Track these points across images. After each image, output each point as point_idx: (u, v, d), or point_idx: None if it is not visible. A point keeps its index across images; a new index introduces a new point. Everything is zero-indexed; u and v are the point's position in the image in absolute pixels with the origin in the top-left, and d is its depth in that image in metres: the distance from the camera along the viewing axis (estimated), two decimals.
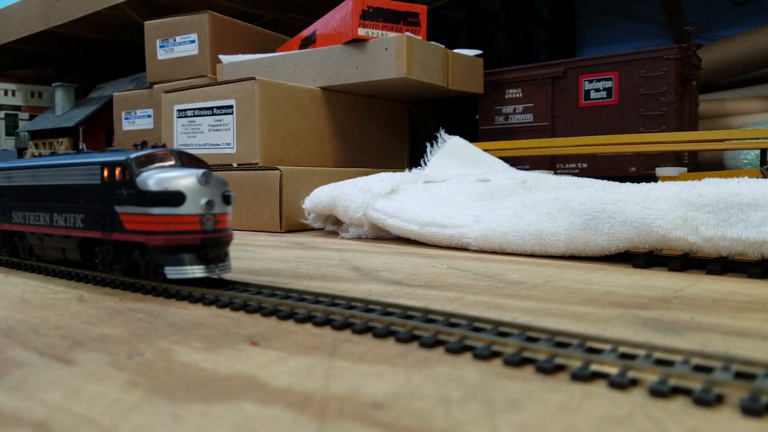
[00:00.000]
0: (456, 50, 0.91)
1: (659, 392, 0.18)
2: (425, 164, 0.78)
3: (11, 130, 1.97)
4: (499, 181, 0.68)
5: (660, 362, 0.20)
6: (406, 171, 0.77)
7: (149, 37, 1.06)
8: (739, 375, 0.19)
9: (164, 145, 0.37)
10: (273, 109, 0.81)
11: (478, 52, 0.95)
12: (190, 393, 0.19)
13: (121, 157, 0.35)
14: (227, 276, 0.36)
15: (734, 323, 0.28)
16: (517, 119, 0.97)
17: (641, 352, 0.21)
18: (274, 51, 1.03)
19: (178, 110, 0.89)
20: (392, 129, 1.01)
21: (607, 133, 0.88)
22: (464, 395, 0.18)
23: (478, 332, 0.24)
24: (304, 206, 0.70)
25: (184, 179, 0.33)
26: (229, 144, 0.82)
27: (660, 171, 0.71)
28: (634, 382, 0.19)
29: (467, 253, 0.54)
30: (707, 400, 0.17)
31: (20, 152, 1.86)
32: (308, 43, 0.95)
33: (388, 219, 0.61)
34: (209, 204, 0.33)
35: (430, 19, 0.87)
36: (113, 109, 1.17)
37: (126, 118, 1.13)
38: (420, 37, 0.85)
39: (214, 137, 0.84)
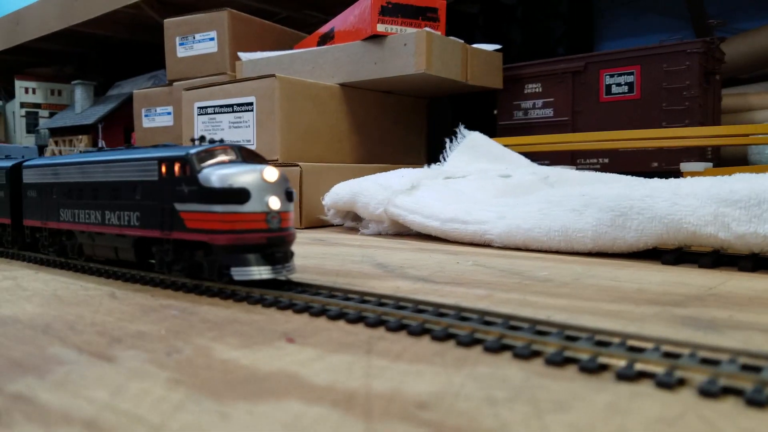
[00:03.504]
0: (475, 45, 0.91)
1: (709, 392, 0.18)
2: (444, 160, 0.78)
3: (32, 127, 1.99)
4: (521, 176, 0.67)
5: (706, 361, 0.20)
6: (426, 167, 0.76)
7: (169, 35, 1.06)
8: None
9: (222, 141, 0.35)
10: (292, 106, 0.81)
11: (497, 46, 0.94)
12: (234, 391, 0.19)
13: (180, 153, 0.33)
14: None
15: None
16: (537, 114, 0.96)
17: (685, 351, 0.21)
18: (292, 48, 1.03)
19: (198, 107, 0.89)
20: (411, 125, 1.01)
21: (629, 128, 0.87)
22: (509, 395, 0.18)
23: (516, 330, 0.24)
24: (323, 202, 0.70)
25: (248, 175, 0.32)
26: (249, 141, 0.83)
27: (685, 166, 0.70)
28: (681, 382, 0.19)
29: (490, 249, 0.54)
30: (760, 401, 0.17)
31: (41, 149, 1.88)
32: (326, 39, 0.95)
33: (409, 215, 0.61)
34: (275, 201, 0.32)
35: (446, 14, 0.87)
36: (133, 106, 1.17)
37: (146, 116, 1.14)
38: (439, 33, 0.84)
39: (235, 134, 0.84)
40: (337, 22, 0.93)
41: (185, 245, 0.34)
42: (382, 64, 0.83)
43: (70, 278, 0.40)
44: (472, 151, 0.78)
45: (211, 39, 1.01)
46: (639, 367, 0.20)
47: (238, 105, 0.83)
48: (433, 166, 0.77)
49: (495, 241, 0.54)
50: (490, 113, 1.02)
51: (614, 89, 0.89)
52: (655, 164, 0.86)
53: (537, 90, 0.96)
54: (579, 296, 0.33)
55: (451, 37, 0.85)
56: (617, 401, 0.18)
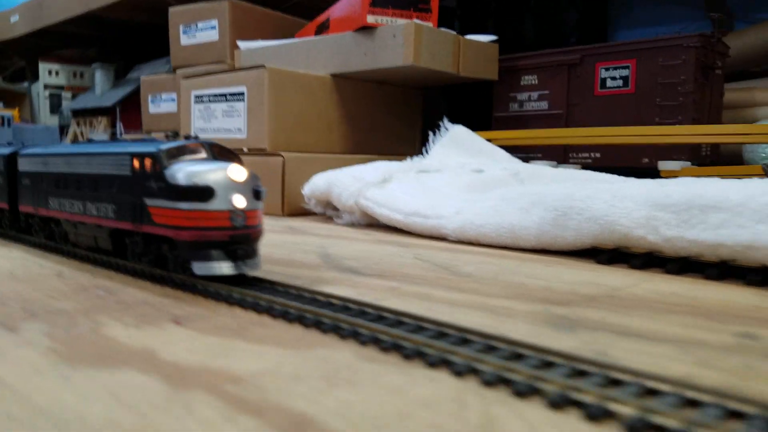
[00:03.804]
0: (469, 36, 0.93)
1: (488, 382, 0.21)
2: (427, 153, 0.81)
3: (55, 108, 2.08)
4: (492, 172, 0.69)
5: (514, 357, 0.23)
6: (409, 159, 0.79)
7: (173, 22, 1.11)
8: (576, 373, 0.21)
9: (197, 137, 0.37)
10: (282, 96, 0.84)
11: (493, 38, 0.96)
12: (91, 360, 0.22)
13: (151, 149, 0.35)
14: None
15: (641, 324, 0.30)
16: (532, 107, 0.98)
17: (502, 345, 0.24)
18: (293, 36, 1.07)
19: (195, 96, 0.94)
20: (404, 115, 1.04)
21: (623, 123, 0.88)
22: (321, 374, 0.22)
23: (359, 317, 0.27)
24: (303, 192, 0.74)
25: (214, 174, 0.33)
26: (240, 129, 0.87)
27: (662, 164, 0.72)
28: (473, 371, 0.22)
29: (445, 243, 0.57)
30: (523, 392, 0.20)
31: (62, 130, 1.97)
32: (323, 29, 0.98)
33: (377, 208, 0.64)
34: (239, 200, 0.33)
35: (456, 2, 0.89)
36: (141, 91, 1.23)
37: (152, 101, 1.19)
38: (430, 24, 0.87)
39: (227, 123, 0.89)
40: (334, 12, 0.96)
41: (153, 238, 0.36)
42: (372, 56, 0.86)
43: (39, 258, 0.45)
44: (454, 145, 0.80)
45: (213, 28, 1.06)
46: (454, 358, 0.23)
47: (231, 94, 0.88)
48: (415, 158, 0.80)
49: (450, 236, 0.57)
50: (486, 104, 1.04)
51: (609, 83, 0.90)
52: (646, 160, 0.87)
53: (533, 82, 0.98)
54: (480, 292, 0.36)
55: (443, 29, 0.88)
56: (405, 383, 0.21)
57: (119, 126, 1.84)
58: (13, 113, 1.70)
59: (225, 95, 0.88)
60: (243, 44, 1.02)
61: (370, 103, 0.97)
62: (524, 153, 0.98)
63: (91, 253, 0.42)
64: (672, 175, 0.71)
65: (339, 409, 0.19)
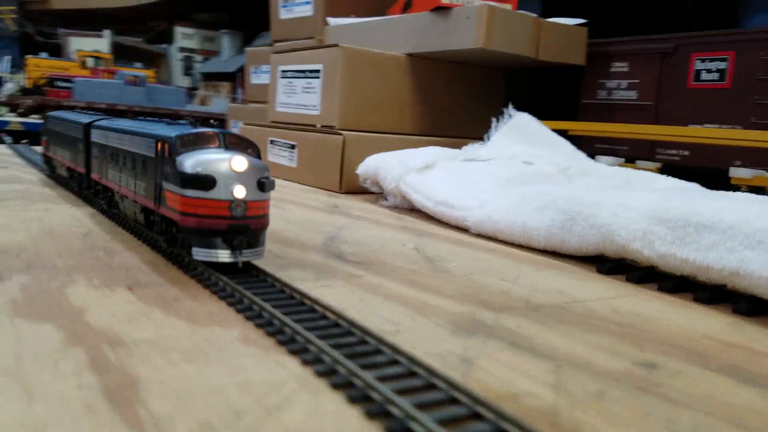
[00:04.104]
0: (553, 19, 0.91)
1: (320, 373, 0.24)
2: (488, 139, 0.81)
3: (187, 70, 2.28)
4: (541, 166, 0.69)
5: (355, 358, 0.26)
6: (467, 146, 0.81)
7: None
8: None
9: (215, 124, 0.43)
10: (354, 75, 0.88)
11: (580, 21, 0.93)
12: (32, 313, 0.29)
13: (171, 134, 0.37)
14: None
15: (545, 339, 0.31)
16: (620, 95, 0.94)
17: (372, 342, 0.27)
18: (385, 12, 1.10)
19: (281, 71, 1.01)
20: (485, 97, 1.04)
21: (716, 120, 0.82)
22: (191, 349, 0.26)
23: (275, 302, 0.31)
24: (357, 172, 0.78)
25: (217, 164, 0.34)
26: (315, 106, 0.92)
27: (733, 171, 0.67)
28: (319, 361, 0.25)
29: (466, 236, 0.58)
30: (338, 384, 0.23)
31: (191, 91, 2.16)
32: (407, 7, 1.00)
33: (413, 193, 0.67)
34: (240, 190, 0.34)
35: None
36: (245, 62, 1.33)
37: (254, 72, 1.29)
38: (508, 6, 0.86)
39: (305, 99, 0.95)
40: None
41: (168, 219, 0.39)
42: (446, 37, 0.88)
43: (88, 219, 0.53)
44: (516, 133, 0.80)
45: (308, 2, 1.12)
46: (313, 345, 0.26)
47: (310, 71, 0.93)
48: (474, 145, 0.81)
49: (471, 229, 0.59)
50: (575, 90, 1.01)
51: (703, 75, 0.84)
52: (739, 162, 0.81)
53: (624, 69, 0.94)
54: (434, 289, 0.39)
55: (521, 12, 0.87)
56: (251, 366, 0.25)
57: (240, 92, 1.99)
58: (148, 74, 1.90)
59: (305, 72, 0.94)
60: (332, 20, 1.07)
61: (448, 83, 0.98)
62: (610, 144, 0.95)
63: (132, 221, 0.48)
64: (742, 183, 0.66)
65: (169, 380, 0.23)
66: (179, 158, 0.36)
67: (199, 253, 0.35)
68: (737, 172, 0.66)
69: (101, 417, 0.20)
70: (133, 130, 0.44)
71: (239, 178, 0.35)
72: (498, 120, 0.82)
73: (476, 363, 0.27)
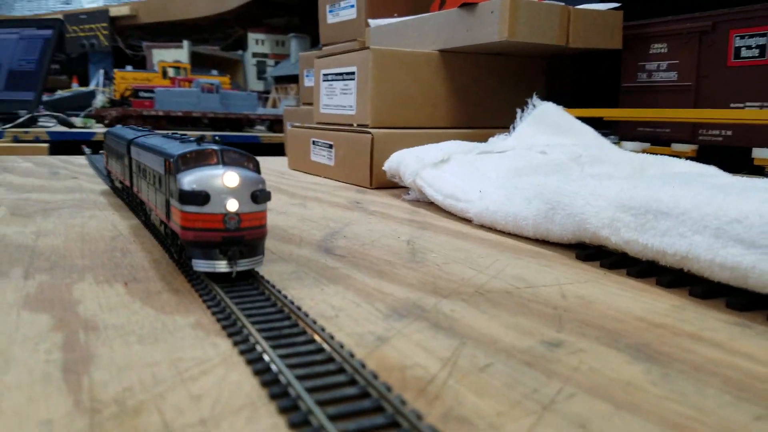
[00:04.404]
0: (585, 6, 0.91)
1: (241, 351, 0.29)
2: (513, 130, 0.83)
3: (260, 74, 2.41)
4: (554, 155, 0.71)
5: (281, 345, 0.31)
6: (495, 137, 0.83)
7: (321, 2, 1.25)
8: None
9: (216, 140, 0.42)
10: (385, 75, 0.93)
11: (614, 5, 0.92)
12: (37, 305, 0.35)
13: (174, 153, 0.40)
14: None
15: (471, 320, 0.34)
16: (660, 77, 0.93)
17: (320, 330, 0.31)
18: (428, 9, 1.13)
19: (323, 74, 1.07)
20: (523, 86, 1.05)
21: (757, 97, 0.80)
22: (145, 333, 0.32)
23: (237, 293, 0.36)
24: (383, 168, 0.83)
25: (210, 180, 0.37)
26: (351, 107, 0.98)
27: (757, 152, 0.66)
28: (246, 342, 0.30)
29: (467, 227, 0.62)
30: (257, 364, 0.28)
31: (263, 94, 2.28)
32: (442, 4, 1.03)
33: (427, 187, 0.71)
34: (233, 204, 0.37)
35: None
36: (299, 66, 1.40)
37: (306, 76, 1.36)
38: None
39: (343, 100, 1.00)
40: None
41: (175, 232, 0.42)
42: (473, 32, 0.90)
43: (123, 226, 0.61)
44: (540, 123, 0.82)
45: (352, 6, 1.17)
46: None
47: (347, 74, 0.99)
48: (499, 136, 0.83)
49: (474, 220, 0.62)
50: (615, 74, 1.00)
51: (743, 53, 0.82)
52: None
53: (663, 51, 0.92)
54: (398, 279, 0.42)
55: (547, 2, 0.88)
56: (184, 346, 0.30)
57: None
58: (221, 81, 2.03)
59: (342, 74, 1.00)
60: (373, 22, 1.11)
61: (482, 76, 1.01)
62: (652, 128, 0.94)
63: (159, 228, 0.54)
64: (766, 164, 0.65)
65: (117, 356, 0.29)
66: (179, 175, 0.38)
67: (200, 264, 0.38)
68: (760, 153, 0.65)
69: (52, 383, 0.26)
70: (154, 148, 0.48)
71: (232, 192, 0.37)
72: (523, 110, 0.84)
73: (389, 341, 0.32)
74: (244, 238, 0.38)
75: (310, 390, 0.25)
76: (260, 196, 0.38)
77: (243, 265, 0.38)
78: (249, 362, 0.28)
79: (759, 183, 0.47)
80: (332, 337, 0.30)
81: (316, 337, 0.30)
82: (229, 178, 0.37)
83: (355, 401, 0.24)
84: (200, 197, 0.37)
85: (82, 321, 0.33)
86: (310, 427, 0.23)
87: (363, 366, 0.27)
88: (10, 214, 0.64)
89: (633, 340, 0.33)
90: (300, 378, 0.26)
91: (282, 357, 0.28)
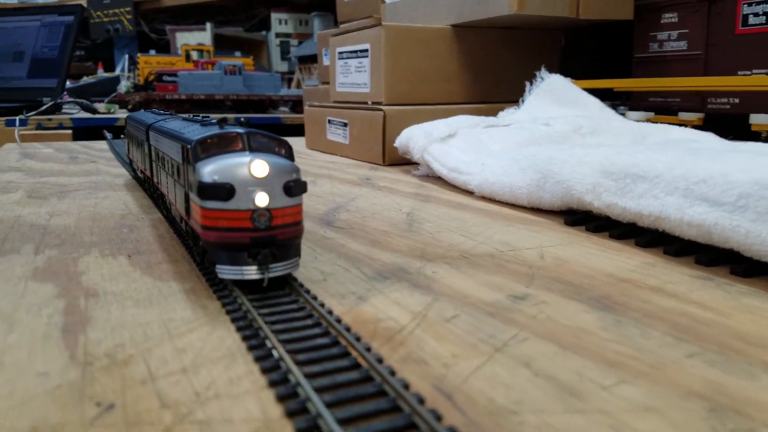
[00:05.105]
0: None
1: (239, 327, 0.34)
2: (522, 103, 0.86)
3: (284, 55, 2.45)
4: (557, 127, 0.74)
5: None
6: (504, 112, 0.86)
7: None
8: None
9: (243, 122, 0.37)
10: (397, 51, 0.96)
11: None
12: (44, 277, 0.40)
13: (191, 138, 0.35)
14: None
15: (454, 281, 0.38)
16: (671, 47, 0.94)
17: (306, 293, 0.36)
18: None
19: (338, 52, 1.10)
20: (538, 59, 1.06)
21: (764, 64, 0.81)
22: (141, 298, 0.37)
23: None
24: (395, 145, 0.87)
25: (235, 169, 0.32)
26: (365, 84, 1.01)
27: (754, 117, 0.67)
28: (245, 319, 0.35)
29: (469, 199, 0.65)
30: (241, 327, 0.33)
31: (287, 75, 2.32)
32: None
33: (433, 162, 0.74)
34: (262, 198, 0.32)
35: None
36: (317, 45, 1.44)
37: (325, 54, 1.40)
38: None
39: (358, 77, 1.04)
40: None
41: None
42: (484, 5, 0.93)
43: (136, 201, 0.66)
44: (548, 95, 0.84)
45: None
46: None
47: (360, 51, 1.02)
48: (510, 109, 0.86)
49: (475, 191, 0.66)
50: (629, 45, 1.01)
51: (751, 20, 0.83)
52: None
53: (673, 20, 0.93)
54: (390, 247, 0.46)
55: None
56: (177, 319, 0.35)
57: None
58: (244, 62, 2.08)
59: (356, 52, 1.03)
60: None
61: (497, 50, 1.03)
62: (663, 97, 0.96)
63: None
64: (763, 129, 0.66)
65: (113, 318, 0.33)
66: (198, 165, 0.33)
67: (225, 271, 0.33)
68: (757, 119, 0.67)
69: (51, 341, 0.30)
70: (171, 133, 0.43)
71: (261, 183, 0.32)
72: (531, 83, 0.87)
73: (368, 300, 0.35)
74: (277, 238, 0.33)
75: (286, 341, 0.28)
76: (294, 187, 0.33)
77: (276, 270, 0.33)
78: (233, 321, 0.31)
79: (741, 146, 0.50)
80: (315, 298, 0.33)
81: (300, 299, 0.33)
82: (257, 167, 0.32)
83: (324, 349, 0.28)
84: (223, 191, 0.32)
85: (84, 289, 0.37)
86: (280, 370, 0.26)
87: (339, 321, 0.30)
88: (27, 196, 0.69)
89: (595, 293, 0.36)
90: (277, 332, 0.29)
91: (263, 315, 0.31)
